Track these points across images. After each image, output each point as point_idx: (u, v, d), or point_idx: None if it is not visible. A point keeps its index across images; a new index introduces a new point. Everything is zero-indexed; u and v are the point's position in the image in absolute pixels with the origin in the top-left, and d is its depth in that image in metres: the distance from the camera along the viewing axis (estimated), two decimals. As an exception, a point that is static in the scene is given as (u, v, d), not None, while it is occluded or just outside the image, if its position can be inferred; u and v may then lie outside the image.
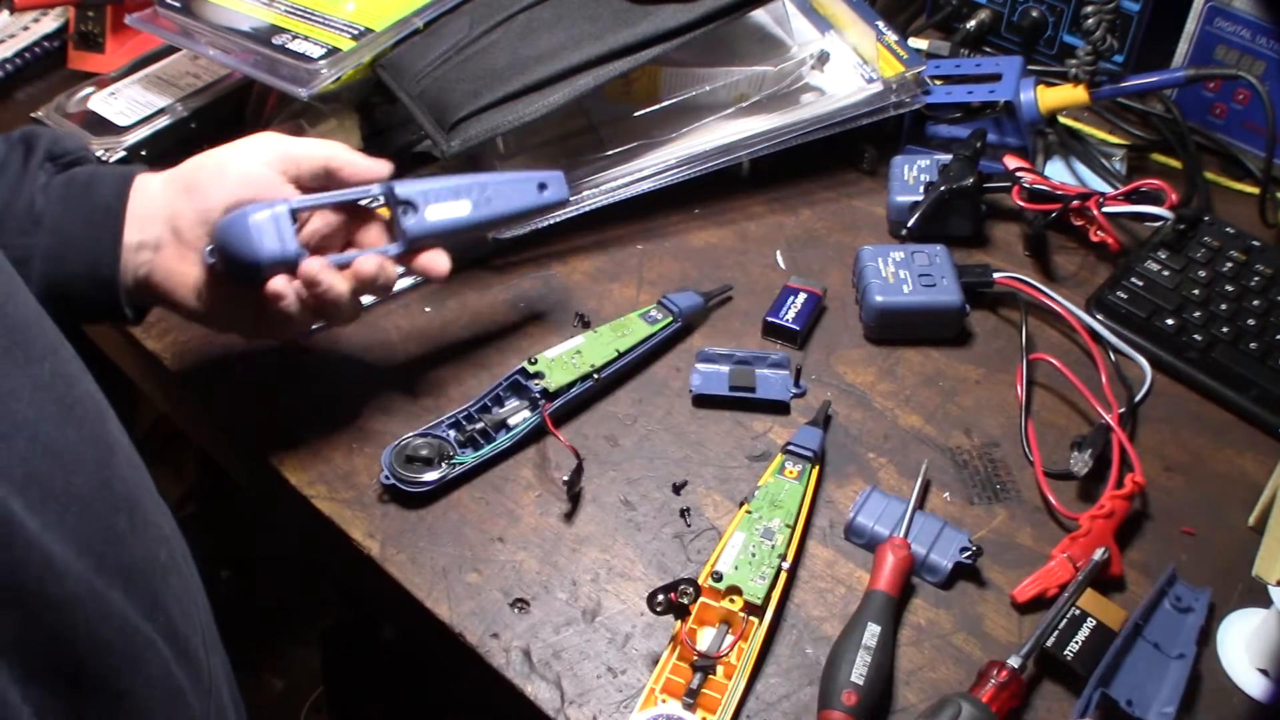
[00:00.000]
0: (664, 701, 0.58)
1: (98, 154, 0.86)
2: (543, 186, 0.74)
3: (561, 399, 0.73)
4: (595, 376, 0.74)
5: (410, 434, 0.71)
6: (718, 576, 0.62)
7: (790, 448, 0.69)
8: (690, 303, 0.80)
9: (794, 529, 0.65)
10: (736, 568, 0.62)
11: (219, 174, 0.65)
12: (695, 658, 0.59)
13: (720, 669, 0.59)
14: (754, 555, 0.63)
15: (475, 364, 0.78)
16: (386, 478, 0.69)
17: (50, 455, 0.42)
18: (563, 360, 0.74)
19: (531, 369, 0.73)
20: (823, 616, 0.64)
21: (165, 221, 0.65)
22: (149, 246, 0.65)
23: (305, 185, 0.67)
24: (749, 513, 0.66)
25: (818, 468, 0.69)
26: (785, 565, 0.63)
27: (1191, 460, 0.72)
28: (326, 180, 0.67)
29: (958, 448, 0.73)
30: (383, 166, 0.69)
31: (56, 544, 0.40)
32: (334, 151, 0.68)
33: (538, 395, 0.72)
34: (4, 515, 0.38)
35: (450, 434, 0.72)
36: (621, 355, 0.76)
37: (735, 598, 0.61)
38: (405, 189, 0.68)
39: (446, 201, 0.69)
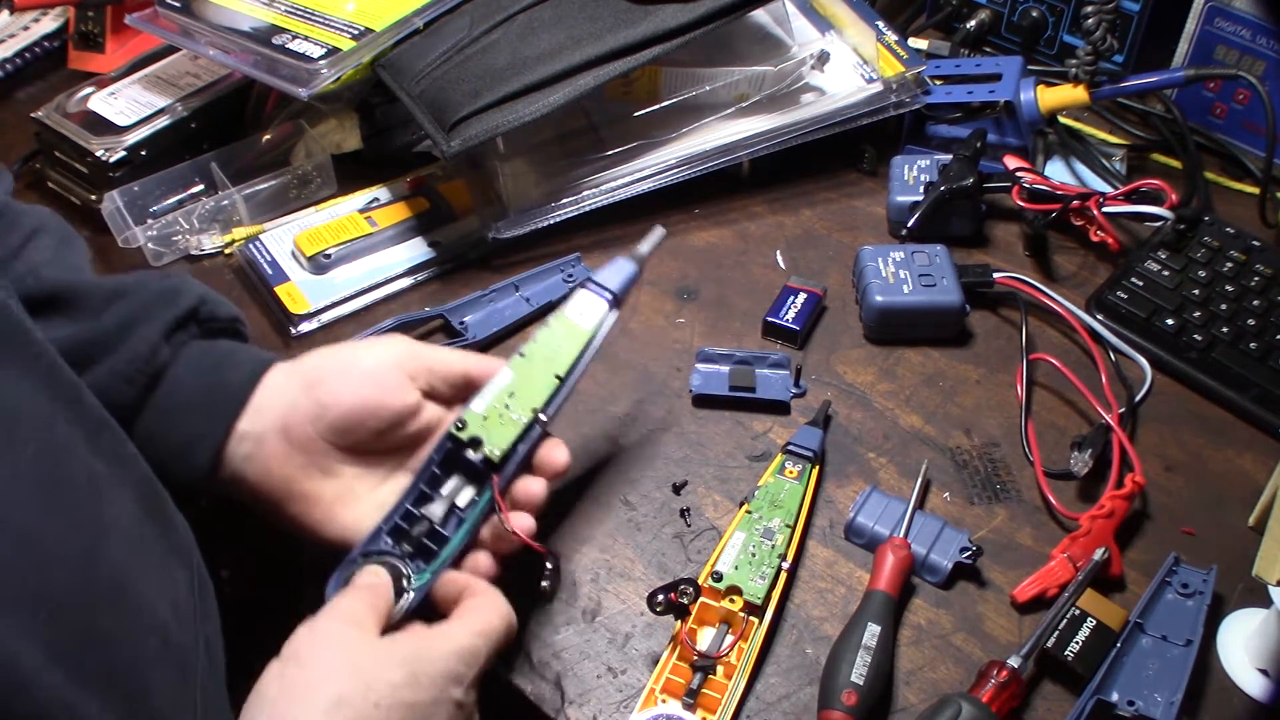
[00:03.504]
0: (664, 701, 0.58)
1: (98, 154, 0.86)
2: (569, 277, 0.82)
3: (512, 462, 0.59)
4: (542, 419, 0.60)
5: (355, 551, 0.58)
6: (718, 576, 0.62)
7: (790, 448, 0.69)
8: (624, 276, 0.64)
9: (794, 529, 0.65)
10: (736, 568, 0.62)
11: (344, 371, 0.61)
12: (695, 658, 0.59)
13: (720, 669, 0.59)
14: (754, 555, 0.63)
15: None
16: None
17: (27, 550, 0.40)
18: (496, 412, 0.59)
19: (462, 434, 0.59)
20: (823, 616, 0.64)
21: (278, 415, 0.60)
22: (252, 438, 0.59)
23: (440, 395, 0.63)
24: (749, 513, 0.65)
25: (818, 468, 0.69)
26: (785, 565, 0.63)
27: (1191, 460, 0.72)
28: (467, 390, 0.62)
29: (958, 448, 0.73)
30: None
31: (26, 652, 0.38)
32: (474, 362, 0.64)
33: (479, 466, 0.59)
34: None
35: (396, 547, 0.59)
36: (563, 380, 0.61)
37: (735, 598, 0.61)
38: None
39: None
